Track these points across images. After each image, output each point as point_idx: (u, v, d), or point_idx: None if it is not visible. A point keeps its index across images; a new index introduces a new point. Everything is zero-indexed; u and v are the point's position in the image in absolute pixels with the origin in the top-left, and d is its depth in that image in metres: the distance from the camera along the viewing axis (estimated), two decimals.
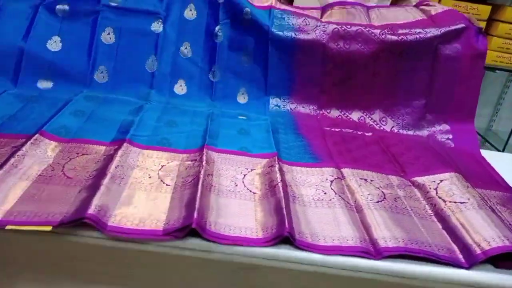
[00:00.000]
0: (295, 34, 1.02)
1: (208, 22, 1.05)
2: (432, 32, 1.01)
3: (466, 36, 1.03)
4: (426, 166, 0.86)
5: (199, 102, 1.03)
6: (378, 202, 0.71)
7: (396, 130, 1.04)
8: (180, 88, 1.06)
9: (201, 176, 0.68)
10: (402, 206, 0.72)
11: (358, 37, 1.00)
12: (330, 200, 0.71)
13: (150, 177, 0.69)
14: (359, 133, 1.01)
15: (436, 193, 0.76)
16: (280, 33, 1.01)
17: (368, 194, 0.73)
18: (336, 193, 0.73)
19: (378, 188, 0.76)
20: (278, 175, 0.72)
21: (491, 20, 1.83)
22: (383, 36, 0.99)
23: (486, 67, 1.94)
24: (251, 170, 0.76)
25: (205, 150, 0.77)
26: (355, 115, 1.05)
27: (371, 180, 0.79)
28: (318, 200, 0.70)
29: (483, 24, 1.80)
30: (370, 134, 1.01)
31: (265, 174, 0.75)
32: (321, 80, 1.05)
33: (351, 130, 1.01)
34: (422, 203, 0.74)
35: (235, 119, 0.98)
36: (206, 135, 0.84)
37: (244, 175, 0.74)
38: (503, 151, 2.05)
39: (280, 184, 0.69)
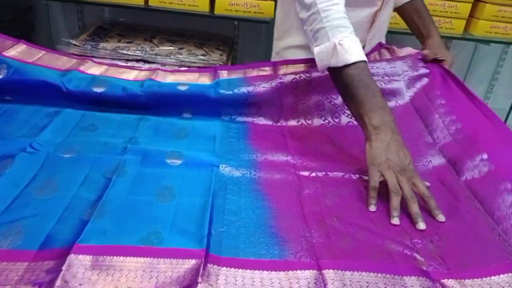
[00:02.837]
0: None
1: None
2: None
3: None
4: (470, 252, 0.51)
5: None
6: None
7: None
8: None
9: None
10: None
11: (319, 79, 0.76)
12: None
13: None
14: (354, 177, 0.67)
15: None
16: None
17: None
18: None
19: None
20: None
21: None
22: None
23: (479, 39, 1.73)
24: None
25: (69, 258, 0.42)
26: None
27: None
28: None
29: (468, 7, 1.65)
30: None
31: None
32: None
33: (341, 174, 0.67)
34: None
35: (161, 167, 0.62)
36: (94, 212, 0.49)
37: None
38: None
39: None
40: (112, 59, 1.43)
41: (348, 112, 0.78)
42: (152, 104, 0.76)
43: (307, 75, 0.79)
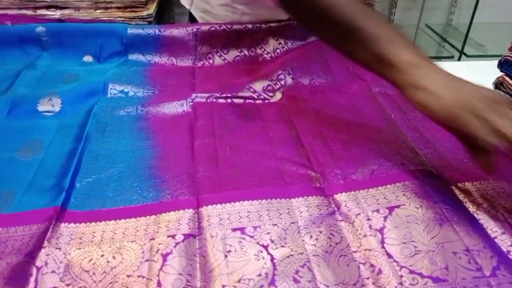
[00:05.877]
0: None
1: None
2: None
3: None
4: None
5: None
6: None
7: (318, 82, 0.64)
8: None
9: None
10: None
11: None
12: None
13: None
14: (258, 101, 0.61)
15: (382, 243, 0.38)
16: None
17: None
18: None
19: (265, 246, 0.38)
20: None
21: None
22: None
23: None
24: None
25: None
26: None
27: (255, 228, 0.39)
28: None
29: None
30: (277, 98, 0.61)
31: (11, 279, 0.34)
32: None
33: (245, 96, 0.61)
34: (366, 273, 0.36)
35: (32, 118, 0.54)
36: None
37: None
38: (462, 49, 1.68)
39: None
40: (19, 8, 1.26)
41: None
42: (51, 41, 0.69)
43: (228, 26, 0.68)
